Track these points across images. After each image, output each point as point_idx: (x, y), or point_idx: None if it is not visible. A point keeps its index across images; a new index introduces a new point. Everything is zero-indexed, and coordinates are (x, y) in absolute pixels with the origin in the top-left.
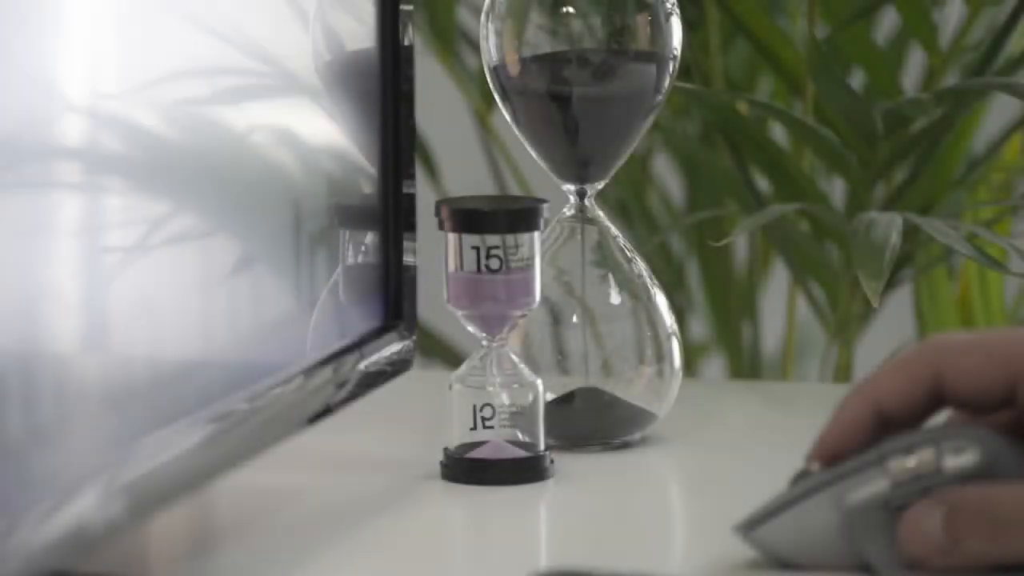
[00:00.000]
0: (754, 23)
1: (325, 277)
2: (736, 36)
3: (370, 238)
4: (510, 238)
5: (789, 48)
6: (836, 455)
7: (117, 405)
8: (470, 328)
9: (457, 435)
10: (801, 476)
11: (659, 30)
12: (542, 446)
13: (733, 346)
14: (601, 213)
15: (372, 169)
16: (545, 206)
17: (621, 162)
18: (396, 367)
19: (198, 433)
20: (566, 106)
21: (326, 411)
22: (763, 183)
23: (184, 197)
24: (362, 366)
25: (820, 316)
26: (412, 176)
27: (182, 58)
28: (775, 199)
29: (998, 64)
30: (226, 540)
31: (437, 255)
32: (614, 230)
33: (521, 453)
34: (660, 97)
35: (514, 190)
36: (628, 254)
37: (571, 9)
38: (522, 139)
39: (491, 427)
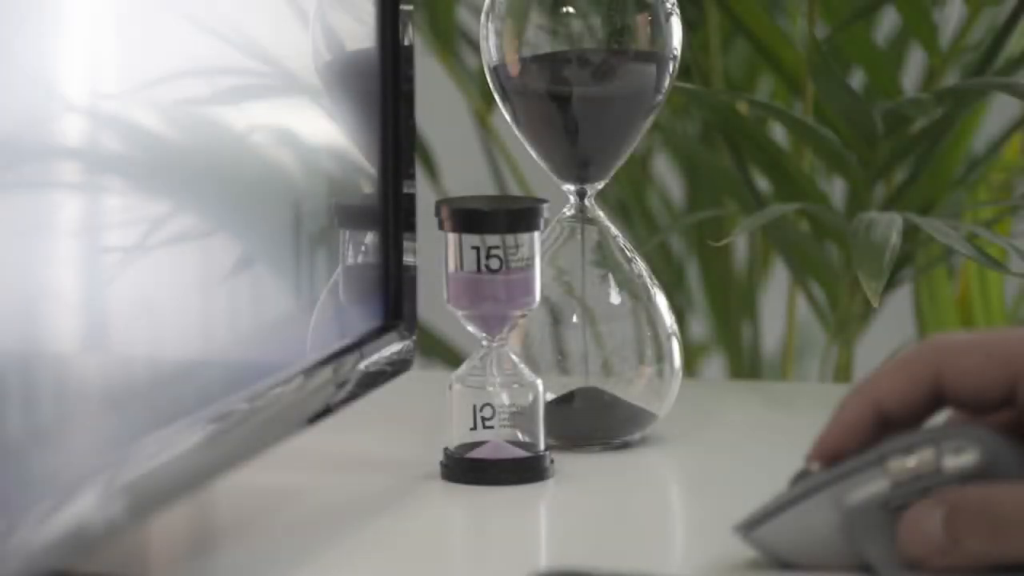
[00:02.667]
0: (754, 23)
1: (325, 277)
2: (736, 36)
3: (370, 238)
4: (510, 238)
5: (789, 48)
6: (836, 455)
7: (117, 405)
8: (470, 328)
9: (457, 435)
10: (801, 476)
11: (659, 30)
12: (542, 446)
13: (733, 346)
14: (601, 213)
15: (372, 169)
16: (545, 206)
17: (621, 162)
18: (396, 367)
19: (198, 433)
20: (566, 106)
21: (326, 411)
22: (763, 183)
23: (184, 197)
24: (362, 366)
25: (820, 316)
26: (412, 176)
27: (182, 58)
28: (775, 199)
29: (998, 64)
30: (226, 540)
31: (437, 255)
32: (614, 230)
33: (521, 453)
34: (660, 97)
35: (514, 190)
36: (628, 254)
37: (571, 9)
38: (522, 139)
39: (491, 427)
